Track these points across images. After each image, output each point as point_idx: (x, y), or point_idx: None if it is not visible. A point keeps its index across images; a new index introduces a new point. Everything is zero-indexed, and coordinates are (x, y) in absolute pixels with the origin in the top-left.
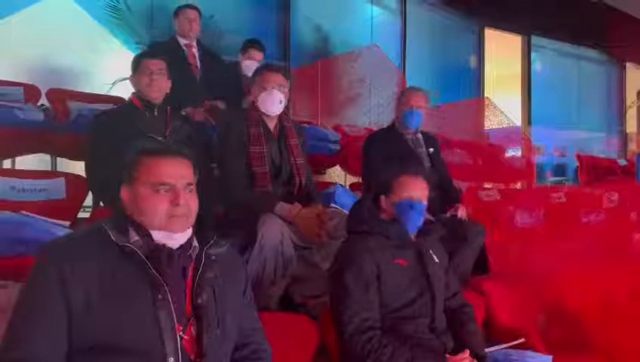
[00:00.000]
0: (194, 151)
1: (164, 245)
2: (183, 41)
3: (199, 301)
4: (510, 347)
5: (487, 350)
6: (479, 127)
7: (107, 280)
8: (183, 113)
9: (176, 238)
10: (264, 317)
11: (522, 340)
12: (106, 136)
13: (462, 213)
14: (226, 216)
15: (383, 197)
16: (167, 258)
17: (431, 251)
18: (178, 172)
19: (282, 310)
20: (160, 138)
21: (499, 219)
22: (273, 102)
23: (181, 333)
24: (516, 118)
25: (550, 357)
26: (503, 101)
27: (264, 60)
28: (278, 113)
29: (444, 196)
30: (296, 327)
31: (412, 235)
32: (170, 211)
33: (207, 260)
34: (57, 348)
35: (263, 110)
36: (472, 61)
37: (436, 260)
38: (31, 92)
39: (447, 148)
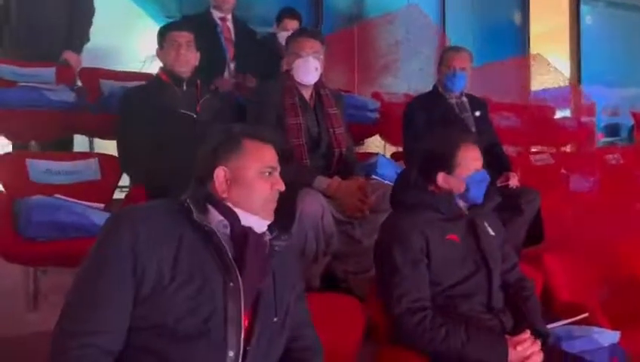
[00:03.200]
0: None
1: (250, 228)
2: (217, 14)
3: (260, 287)
4: (573, 323)
5: (549, 326)
6: (526, 87)
7: (180, 260)
8: (212, 87)
9: (264, 225)
10: (309, 299)
11: (586, 315)
12: (134, 113)
13: (513, 181)
14: None
15: (442, 174)
16: (254, 243)
17: (485, 223)
18: (276, 157)
19: (324, 287)
20: (191, 113)
21: (553, 185)
22: (308, 70)
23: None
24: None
25: (618, 333)
26: (550, 59)
27: None
28: (314, 82)
29: (493, 164)
30: (342, 308)
31: (464, 207)
32: (269, 195)
33: (272, 250)
34: (120, 325)
35: (297, 79)
36: (517, 17)
37: (491, 233)
38: (63, 73)
39: (494, 111)
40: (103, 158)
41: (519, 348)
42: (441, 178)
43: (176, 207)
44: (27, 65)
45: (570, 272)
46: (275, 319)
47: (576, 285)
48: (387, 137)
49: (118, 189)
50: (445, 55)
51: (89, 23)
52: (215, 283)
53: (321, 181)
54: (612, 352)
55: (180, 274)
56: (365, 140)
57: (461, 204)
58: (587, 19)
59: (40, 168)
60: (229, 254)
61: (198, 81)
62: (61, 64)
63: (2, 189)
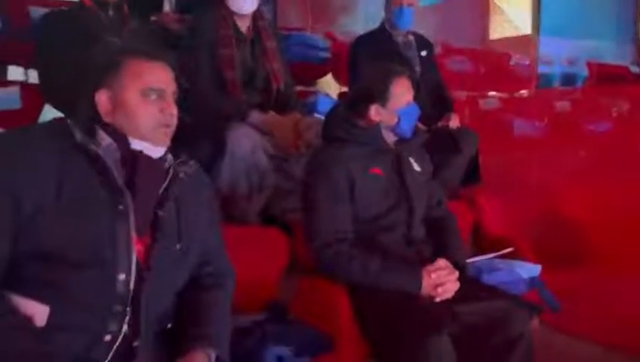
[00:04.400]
0: None
1: (141, 152)
2: None
3: (160, 213)
4: (497, 256)
5: (471, 260)
6: (484, 33)
7: (64, 185)
8: (153, 18)
9: (158, 151)
10: (233, 231)
11: (511, 249)
12: (55, 39)
13: (454, 122)
14: (193, 126)
15: (374, 106)
16: (147, 165)
17: (411, 159)
18: (167, 77)
19: (261, 224)
20: (116, 40)
21: (498, 129)
22: None
23: (138, 246)
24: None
25: (539, 267)
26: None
27: None
28: (251, 11)
29: (436, 104)
30: (267, 240)
31: (391, 141)
32: (159, 120)
33: (175, 176)
34: None
35: (233, 8)
36: None
37: (417, 168)
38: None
39: (446, 54)
40: (26, 87)
41: (433, 276)
42: (373, 110)
43: (56, 130)
44: None
45: (502, 211)
46: (178, 246)
47: (507, 223)
48: (338, 78)
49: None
50: None
51: None
52: (102, 207)
53: (255, 116)
54: (531, 284)
55: (63, 199)
56: (318, 81)
57: (390, 138)
58: None
59: None
60: (117, 177)
61: (125, 6)
62: None
63: None
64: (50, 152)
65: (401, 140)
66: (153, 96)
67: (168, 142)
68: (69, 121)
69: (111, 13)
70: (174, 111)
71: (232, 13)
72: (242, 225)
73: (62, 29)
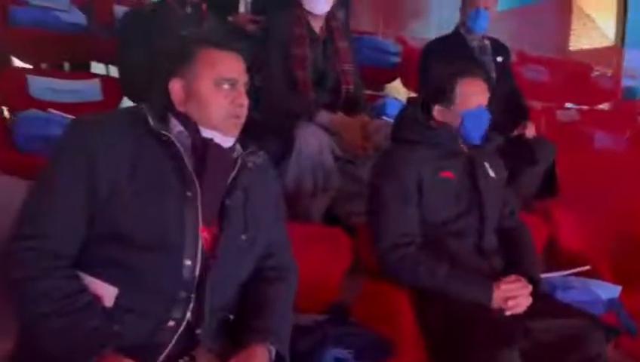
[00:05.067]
0: None
1: (211, 140)
2: None
3: (227, 202)
4: (573, 274)
5: (545, 275)
6: (564, 41)
7: (137, 169)
8: (229, 19)
9: (228, 141)
10: (296, 228)
11: (587, 267)
12: (135, 35)
13: (530, 131)
14: (263, 123)
15: (437, 107)
16: (216, 154)
17: (487, 164)
18: (240, 68)
19: (324, 225)
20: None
21: (577, 141)
22: None
23: (204, 234)
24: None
25: (619, 288)
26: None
27: None
28: (325, 12)
29: (511, 112)
30: (330, 240)
31: (464, 145)
32: (230, 110)
33: (244, 166)
34: (73, 231)
35: (307, 8)
36: None
37: (491, 174)
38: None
39: (523, 63)
40: (106, 80)
41: (503, 287)
42: (437, 110)
43: (132, 115)
44: None
45: (579, 226)
46: (244, 236)
47: (583, 239)
48: (407, 83)
49: None
50: None
51: None
52: (172, 192)
53: (324, 116)
54: (609, 306)
55: (135, 183)
56: (386, 85)
57: (460, 141)
58: None
59: (41, 85)
60: (188, 164)
61: (204, 4)
62: None
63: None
64: (124, 137)
65: (476, 145)
66: (226, 86)
67: (237, 133)
68: (143, 107)
69: (189, 10)
70: (245, 102)
71: (306, 13)
72: (306, 224)
73: (141, 25)
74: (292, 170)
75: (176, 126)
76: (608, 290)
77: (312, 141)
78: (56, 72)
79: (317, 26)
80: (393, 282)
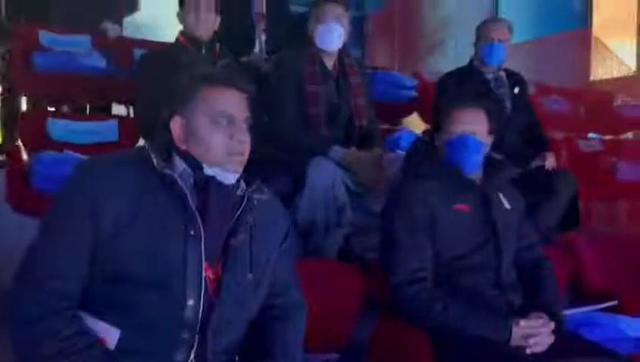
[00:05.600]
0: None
1: (213, 178)
2: None
3: (233, 241)
4: (599, 309)
5: (568, 312)
6: (585, 71)
7: (141, 208)
8: (244, 59)
9: (230, 178)
10: (308, 264)
11: (614, 302)
12: (151, 76)
13: (550, 162)
14: (276, 160)
15: (435, 136)
16: (217, 192)
17: (501, 195)
18: (239, 104)
19: (339, 261)
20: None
21: (600, 172)
22: (331, 36)
23: (209, 274)
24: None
25: None
26: (617, 47)
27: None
28: (337, 49)
29: (531, 144)
30: (342, 276)
31: (476, 177)
32: (229, 147)
33: (249, 203)
34: (78, 271)
35: (320, 46)
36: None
37: (506, 206)
38: (99, 41)
39: (542, 93)
40: (123, 121)
41: (523, 324)
42: (436, 140)
43: (136, 155)
44: (65, 31)
45: (604, 258)
46: (250, 276)
47: (609, 272)
48: (424, 116)
49: None
50: (483, 26)
51: None
52: (175, 232)
53: (337, 151)
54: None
55: (138, 222)
56: (404, 120)
57: (475, 172)
58: None
59: (59, 127)
60: (190, 202)
61: (217, 45)
62: (98, 32)
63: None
64: (129, 176)
65: (488, 176)
66: (223, 123)
67: (240, 170)
68: (147, 146)
69: (204, 51)
70: (245, 138)
71: (319, 51)
72: (319, 260)
73: (155, 66)
74: (304, 205)
75: (179, 164)
76: (637, 327)
77: (324, 176)
78: (76, 114)
79: (330, 62)
80: (406, 320)
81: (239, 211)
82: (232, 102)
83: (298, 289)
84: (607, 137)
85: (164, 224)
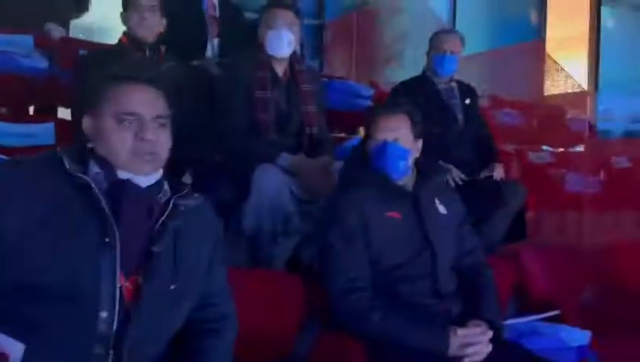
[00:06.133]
0: (182, 92)
1: (128, 181)
2: None
3: (154, 249)
4: (541, 319)
5: (510, 321)
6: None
7: (50, 213)
8: (194, 63)
9: (143, 180)
10: (246, 275)
11: (557, 312)
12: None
13: (498, 173)
14: (223, 167)
15: (367, 143)
16: (132, 195)
17: (437, 200)
18: (148, 101)
19: (287, 272)
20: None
21: (549, 184)
22: (281, 43)
23: (125, 283)
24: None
25: (588, 333)
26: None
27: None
28: (287, 55)
29: (481, 154)
30: (281, 287)
31: (408, 183)
32: (135, 147)
33: (175, 209)
34: None
35: (270, 52)
36: (533, 17)
37: (442, 211)
38: (42, 42)
39: (496, 106)
40: (60, 123)
41: (460, 333)
42: (367, 147)
43: (48, 159)
44: (5, 32)
45: (548, 270)
46: (173, 286)
47: (553, 284)
48: None
49: None
50: (435, 37)
51: None
52: (89, 239)
53: (285, 158)
54: (581, 354)
55: (48, 229)
56: (361, 128)
57: (406, 179)
58: (608, 22)
59: None
60: (105, 207)
61: (162, 48)
62: (41, 33)
63: None
64: (38, 181)
65: (420, 181)
66: (128, 122)
67: (151, 171)
68: (58, 149)
69: (147, 53)
70: (154, 136)
71: (269, 57)
72: (253, 270)
73: (93, 67)
74: (250, 213)
75: (93, 168)
76: (577, 336)
77: (270, 183)
78: (11, 116)
79: (280, 69)
80: (344, 330)
81: (164, 217)
82: (140, 100)
83: (229, 301)
84: (558, 150)
85: (77, 231)
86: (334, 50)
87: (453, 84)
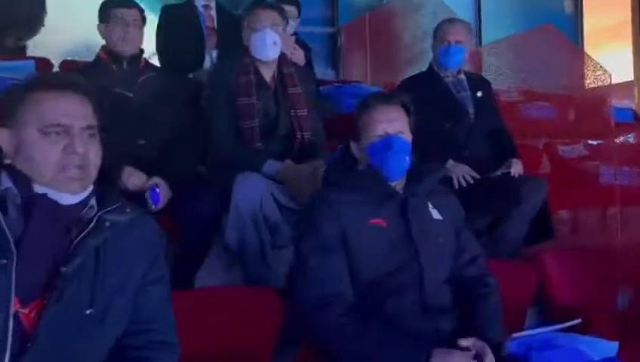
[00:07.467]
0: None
1: (44, 196)
2: (201, 2)
3: (64, 270)
4: (559, 329)
5: (519, 334)
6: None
7: None
8: (190, 75)
9: (65, 197)
10: (223, 292)
11: (578, 321)
12: None
13: (516, 169)
14: (206, 178)
15: (353, 144)
16: (47, 211)
17: (430, 204)
18: (75, 110)
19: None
20: (127, 93)
21: (584, 178)
22: (265, 44)
23: (20, 309)
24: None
25: (615, 344)
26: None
27: (298, 22)
28: (274, 57)
29: (497, 151)
30: (259, 302)
31: (399, 186)
32: (62, 161)
33: (98, 225)
34: None
35: (255, 55)
36: (568, 6)
37: (436, 216)
38: (43, 65)
39: (528, 100)
40: None
41: (439, 358)
42: (353, 147)
43: None
44: (7, 58)
45: (573, 274)
46: (89, 311)
47: (579, 289)
48: None
49: None
50: (439, 28)
51: None
52: None
53: (271, 165)
54: None
55: None
56: None
57: (396, 182)
58: None
59: None
60: (4, 226)
61: (143, 59)
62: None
63: None
64: None
65: (411, 183)
66: (55, 134)
67: (79, 191)
68: None
69: (125, 66)
70: (82, 148)
71: (254, 61)
72: (219, 287)
73: None
74: (230, 226)
75: (5, 182)
76: (602, 348)
77: (250, 193)
78: None
79: (268, 73)
80: (319, 349)
81: (83, 234)
82: (67, 109)
83: (169, 327)
84: (595, 142)
85: None
86: (349, 55)
87: (462, 77)
